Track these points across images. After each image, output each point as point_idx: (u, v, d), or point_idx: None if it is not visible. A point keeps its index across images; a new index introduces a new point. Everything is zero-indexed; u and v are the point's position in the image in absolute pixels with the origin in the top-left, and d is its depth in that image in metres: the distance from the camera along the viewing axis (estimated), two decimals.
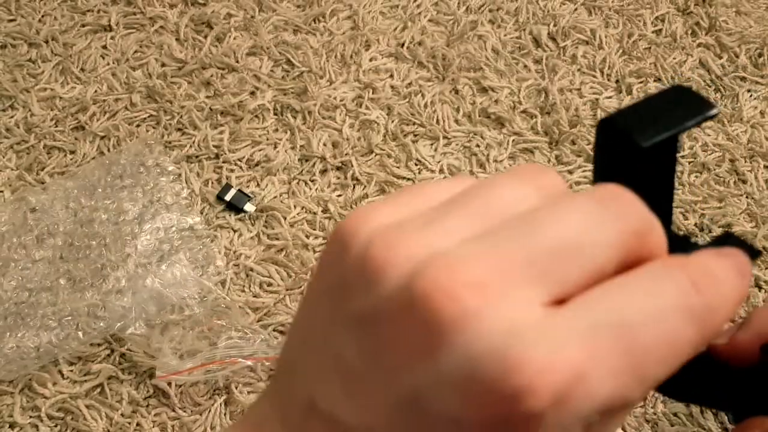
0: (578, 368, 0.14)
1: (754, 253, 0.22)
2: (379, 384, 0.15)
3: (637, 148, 0.20)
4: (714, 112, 0.21)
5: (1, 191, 0.67)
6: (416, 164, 0.69)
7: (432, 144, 0.71)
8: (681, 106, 0.21)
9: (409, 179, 0.69)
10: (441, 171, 0.69)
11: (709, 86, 0.77)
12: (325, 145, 0.70)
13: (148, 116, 0.72)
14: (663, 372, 0.14)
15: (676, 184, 0.69)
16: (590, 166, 0.69)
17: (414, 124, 0.72)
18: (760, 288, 0.64)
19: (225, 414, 0.57)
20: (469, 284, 0.14)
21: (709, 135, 0.73)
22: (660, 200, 0.20)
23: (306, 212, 0.66)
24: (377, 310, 0.15)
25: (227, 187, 0.67)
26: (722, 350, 0.24)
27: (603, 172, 0.22)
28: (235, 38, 0.78)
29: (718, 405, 0.25)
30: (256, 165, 0.69)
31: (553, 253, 0.15)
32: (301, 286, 0.63)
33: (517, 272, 0.15)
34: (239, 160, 0.69)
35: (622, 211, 0.16)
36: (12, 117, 0.72)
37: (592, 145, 0.70)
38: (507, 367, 0.13)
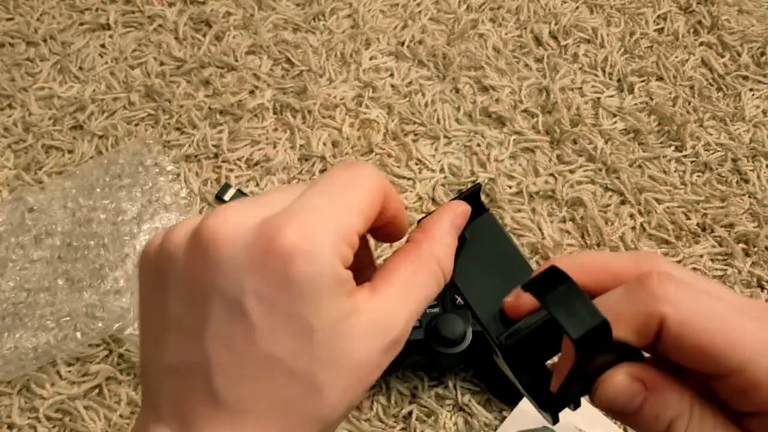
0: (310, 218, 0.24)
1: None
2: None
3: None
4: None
5: None
6: (416, 164, 0.69)
7: (432, 143, 0.71)
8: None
9: (409, 179, 0.68)
10: (441, 170, 0.69)
11: (711, 85, 0.76)
12: (324, 144, 0.70)
13: (147, 115, 0.72)
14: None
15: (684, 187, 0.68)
16: (592, 165, 0.69)
17: (414, 123, 0.72)
18: (762, 288, 0.63)
19: None
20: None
21: (711, 134, 0.72)
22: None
23: None
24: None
25: (226, 187, 0.66)
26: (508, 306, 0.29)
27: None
28: (234, 37, 0.78)
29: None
30: (256, 164, 0.69)
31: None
32: None
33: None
34: (238, 159, 0.69)
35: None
36: (10, 116, 0.72)
37: (594, 145, 0.70)
38: (269, 224, 0.23)
